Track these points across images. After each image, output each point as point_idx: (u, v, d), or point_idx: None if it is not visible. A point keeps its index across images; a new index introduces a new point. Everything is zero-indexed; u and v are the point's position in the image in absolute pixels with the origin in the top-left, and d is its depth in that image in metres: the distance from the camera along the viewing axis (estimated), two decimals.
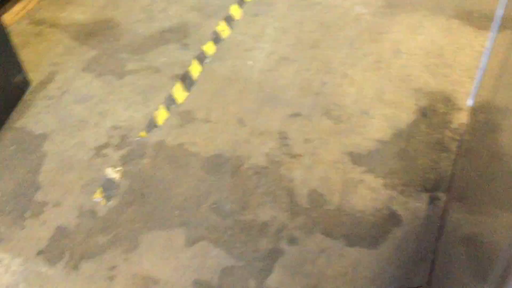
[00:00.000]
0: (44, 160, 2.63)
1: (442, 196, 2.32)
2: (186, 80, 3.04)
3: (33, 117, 2.87)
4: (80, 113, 2.88)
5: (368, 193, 2.37)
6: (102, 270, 2.18)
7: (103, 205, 2.42)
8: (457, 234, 1.68)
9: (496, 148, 1.39)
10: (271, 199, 2.39)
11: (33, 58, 3.20)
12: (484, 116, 1.92)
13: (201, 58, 3.18)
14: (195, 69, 3.11)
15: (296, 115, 2.78)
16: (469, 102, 2.68)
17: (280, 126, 2.73)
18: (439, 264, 1.85)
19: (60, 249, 2.26)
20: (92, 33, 3.41)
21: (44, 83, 3.06)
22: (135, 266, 2.19)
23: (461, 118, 2.70)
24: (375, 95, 2.87)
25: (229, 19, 3.48)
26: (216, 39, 3.33)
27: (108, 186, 2.49)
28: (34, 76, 3.08)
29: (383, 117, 2.74)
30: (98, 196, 2.46)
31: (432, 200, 2.31)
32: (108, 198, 2.44)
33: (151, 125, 2.79)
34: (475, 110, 2.44)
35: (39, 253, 2.25)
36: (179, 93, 2.96)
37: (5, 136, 2.76)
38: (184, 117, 2.82)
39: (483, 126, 1.87)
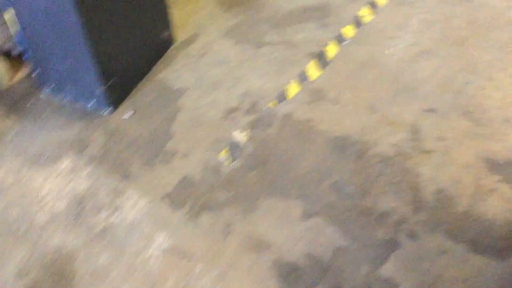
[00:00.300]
0: (178, 113, 2.76)
1: None
2: (321, 59, 3.03)
3: (173, 72, 3.02)
4: (216, 75, 2.98)
5: (501, 203, 2.21)
6: (219, 224, 2.26)
7: (227, 165, 2.49)
8: None
9: None
10: (394, 190, 2.32)
11: (180, 18, 3.36)
12: None
13: (339, 39, 3.15)
14: (332, 50, 3.08)
15: (431, 110, 2.67)
16: None
17: (412, 119, 2.63)
18: None
19: (184, 197, 2.37)
20: (237, 1, 3.51)
21: (187, 43, 3.20)
22: (250, 227, 2.24)
23: None
24: None
25: (372, 5, 3.41)
26: (357, 23, 3.27)
27: (234, 148, 2.56)
28: (179, 34, 3.23)
29: None
30: (223, 155, 2.54)
31: None
32: (232, 158, 2.52)
33: (282, 97, 2.82)
34: None
35: (164, 197, 2.38)
36: (313, 70, 2.96)
37: (146, 86, 2.94)
38: (315, 94, 2.82)
39: None
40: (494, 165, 2.37)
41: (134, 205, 2.36)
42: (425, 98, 2.74)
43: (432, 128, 2.57)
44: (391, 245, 2.11)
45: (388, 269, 2.04)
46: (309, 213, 2.27)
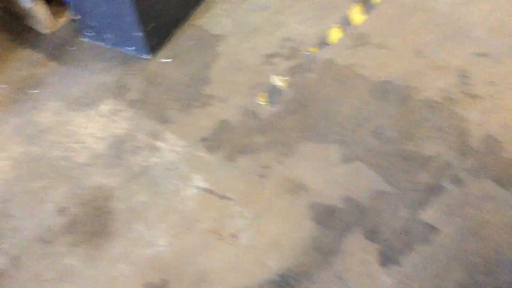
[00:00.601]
0: (217, 59, 2.72)
1: None
2: (366, 2, 2.89)
3: (212, 18, 2.96)
4: (256, 21, 2.90)
5: None
6: (256, 167, 2.23)
7: (265, 109, 2.45)
8: None
9: None
10: (439, 135, 2.22)
11: None
12: None
13: None
14: None
15: (482, 54, 2.52)
16: None
17: (462, 63, 2.49)
18: None
19: (221, 140, 2.35)
20: None
21: None
22: (287, 170, 2.20)
23: None
24: None
25: None
26: None
27: (273, 92, 2.51)
28: None
29: None
30: (262, 100, 2.49)
31: None
32: (271, 103, 2.47)
33: (323, 42, 2.72)
34: None
35: (202, 140, 2.36)
36: (357, 15, 2.84)
37: (185, 31, 2.90)
38: (358, 39, 2.70)
39: None
40: None
41: (172, 148, 2.36)
42: (477, 42, 2.58)
43: (482, 73, 2.43)
44: (434, 190, 2.03)
45: (429, 214, 1.97)
46: (348, 157, 2.21)
